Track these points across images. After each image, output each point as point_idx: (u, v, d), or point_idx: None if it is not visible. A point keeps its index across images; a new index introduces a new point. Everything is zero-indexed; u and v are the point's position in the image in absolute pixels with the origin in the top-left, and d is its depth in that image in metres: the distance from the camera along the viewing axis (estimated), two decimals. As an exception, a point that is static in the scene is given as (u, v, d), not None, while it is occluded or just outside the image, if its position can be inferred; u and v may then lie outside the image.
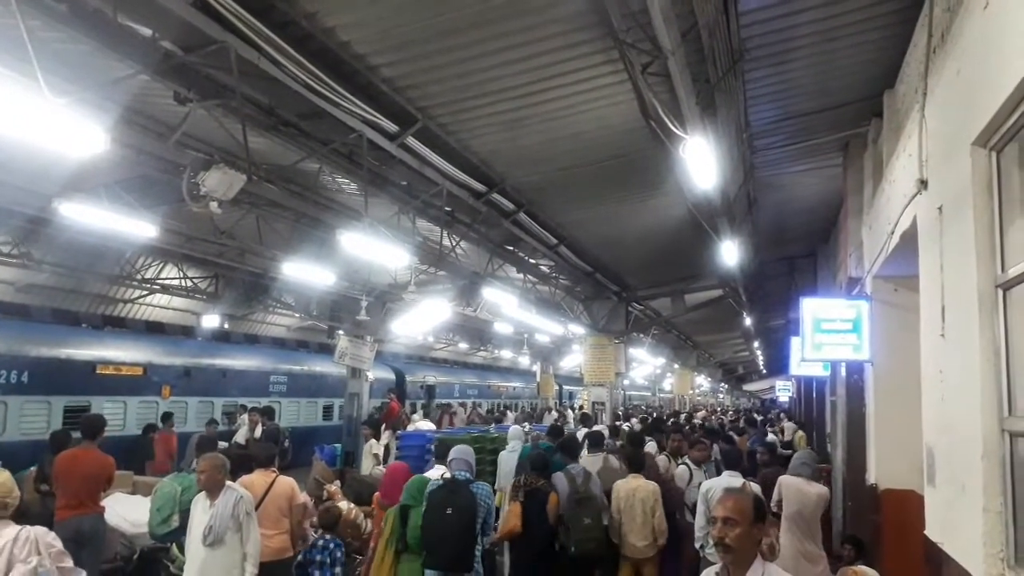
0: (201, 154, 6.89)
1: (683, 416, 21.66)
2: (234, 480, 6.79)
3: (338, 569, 5.93)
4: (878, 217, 7.10)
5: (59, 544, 4.03)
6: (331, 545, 5.99)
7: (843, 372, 9.45)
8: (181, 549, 6.12)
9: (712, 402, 53.86)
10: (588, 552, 6.46)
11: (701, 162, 6.35)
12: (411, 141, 7.71)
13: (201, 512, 5.35)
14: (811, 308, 7.74)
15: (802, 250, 15.13)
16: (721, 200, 8.74)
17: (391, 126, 7.24)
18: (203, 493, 5.52)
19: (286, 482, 6.28)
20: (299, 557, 6.07)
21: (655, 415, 24.07)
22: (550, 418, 18.98)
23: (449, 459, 6.04)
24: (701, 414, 27.40)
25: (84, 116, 4.89)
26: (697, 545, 6.51)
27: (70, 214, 8.53)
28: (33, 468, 8.49)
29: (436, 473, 6.50)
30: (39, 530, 4.02)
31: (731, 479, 6.47)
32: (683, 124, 6.11)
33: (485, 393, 32.14)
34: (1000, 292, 3.47)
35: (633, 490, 6.89)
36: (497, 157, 8.79)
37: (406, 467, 6.86)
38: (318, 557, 5.94)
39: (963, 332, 3.78)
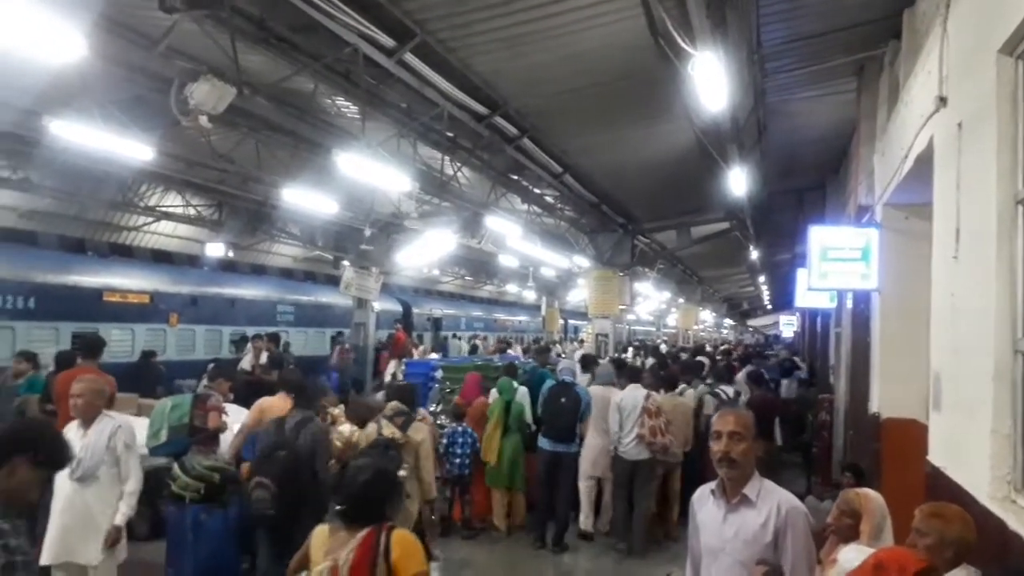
0: (189, 65, 6.64)
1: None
2: (249, 404, 6.84)
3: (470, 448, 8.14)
4: (891, 142, 6.88)
5: None
6: (468, 431, 8.17)
7: (849, 303, 9.37)
8: (183, 468, 6.18)
9: (717, 337, 54.12)
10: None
11: (710, 80, 6.09)
12: (410, 58, 7.41)
13: (74, 442, 4.68)
14: (818, 236, 7.57)
15: (812, 181, 14.80)
16: (730, 125, 8.49)
17: (388, 41, 6.94)
18: (76, 422, 5.02)
19: None
20: (444, 440, 8.12)
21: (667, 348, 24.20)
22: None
23: (559, 368, 8.69)
24: (724, 347, 27.68)
25: (62, 19, 4.66)
26: (611, 447, 7.86)
27: (61, 132, 8.33)
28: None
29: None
30: None
31: (635, 391, 7.89)
32: (693, 40, 5.84)
33: (491, 327, 32.30)
34: (1020, 208, 3.33)
35: (674, 406, 8.35)
36: (499, 77, 8.49)
37: (479, 376, 9.22)
38: (459, 440, 8.06)
39: (978, 252, 3.65)
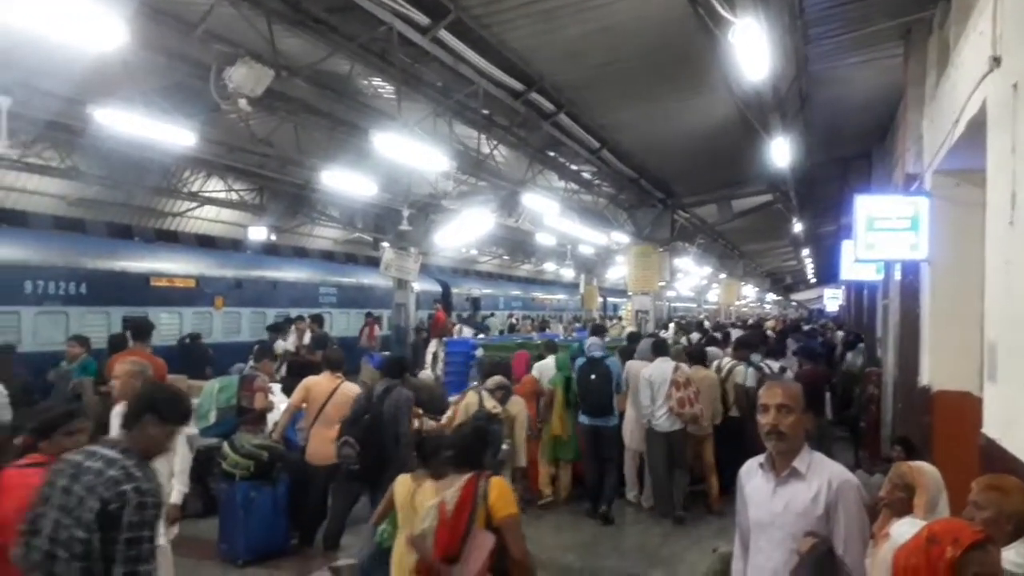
0: (227, 49, 6.69)
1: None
2: (293, 385, 6.95)
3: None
4: (941, 107, 6.67)
5: None
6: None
7: (897, 274, 9.14)
8: (232, 447, 6.34)
9: (760, 313, 53.41)
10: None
11: (751, 48, 5.94)
12: (444, 35, 7.38)
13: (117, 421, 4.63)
14: (865, 205, 7.36)
15: (857, 151, 14.40)
16: (772, 94, 8.30)
17: (422, 18, 6.92)
18: (121, 404, 4.80)
19: (350, 388, 6.39)
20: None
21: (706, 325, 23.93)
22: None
23: (588, 344, 8.49)
24: (770, 323, 27.28)
25: (104, 7, 4.73)
26: (644, 421, 7.93)
27: (105, 120, 8.49)
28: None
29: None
30: None
31: (663, 363, 7.97)
32: (732, 7, 5.71)
33: (529, 305, 32.34)
34: (1081, 170, 3.19)
35: (701, 379, 8.31)
36: (535, 53, 8.40)
37: (527, 354, 9.50)
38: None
39: (1036, 216, 3.52)
